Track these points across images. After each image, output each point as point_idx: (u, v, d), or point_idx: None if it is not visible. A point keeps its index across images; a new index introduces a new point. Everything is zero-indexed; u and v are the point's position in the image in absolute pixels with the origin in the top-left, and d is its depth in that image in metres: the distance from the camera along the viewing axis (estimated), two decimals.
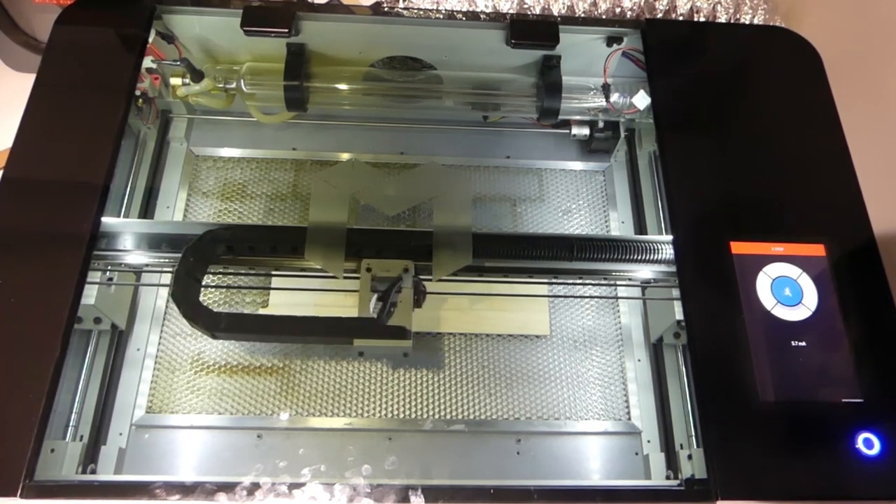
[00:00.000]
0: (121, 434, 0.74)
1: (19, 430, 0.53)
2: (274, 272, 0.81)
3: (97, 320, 0.75)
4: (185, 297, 0.66)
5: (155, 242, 0.72)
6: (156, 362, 0.79)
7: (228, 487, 0.54)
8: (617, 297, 0.86)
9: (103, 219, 0.64)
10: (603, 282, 0.85)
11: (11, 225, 0.62)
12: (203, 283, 0.71)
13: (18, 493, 0.51)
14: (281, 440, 0.76)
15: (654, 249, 0.74)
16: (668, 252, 0.73)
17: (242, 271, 0.83)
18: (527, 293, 0.85)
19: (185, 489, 0.53)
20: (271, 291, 0.83)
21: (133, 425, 0.75)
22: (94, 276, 0.72)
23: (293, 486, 0.55)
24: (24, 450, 0.52)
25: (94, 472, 0.71)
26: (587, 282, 0.85)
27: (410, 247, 0.73)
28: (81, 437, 0.72)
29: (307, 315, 0.67)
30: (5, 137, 0.67)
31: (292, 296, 0.81)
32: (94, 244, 0.62)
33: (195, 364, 0.79)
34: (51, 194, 0.64)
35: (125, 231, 0.71)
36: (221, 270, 0.83)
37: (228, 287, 0.84)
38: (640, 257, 0.74)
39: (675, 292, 0.75)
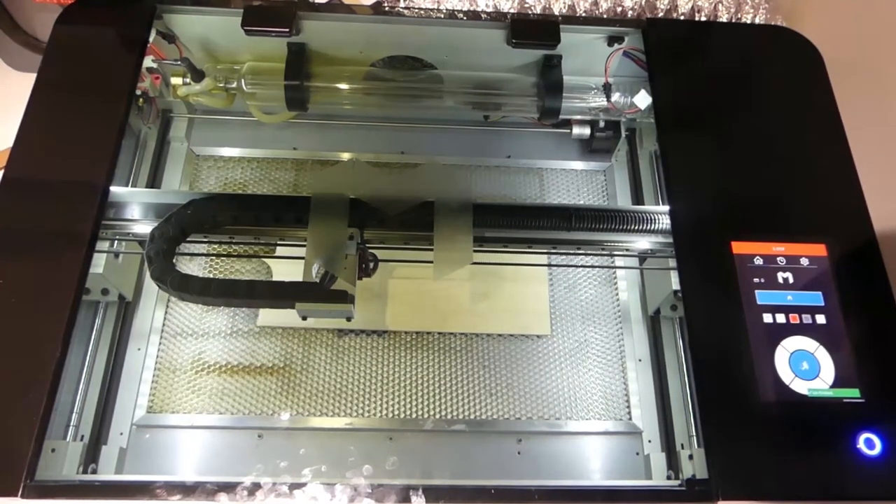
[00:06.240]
0: (122, 434, 0.74)
1: (20, 430, 0.53)
2: (280, 241, 0.80)
3: (105, 291, 0.76)
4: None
5: (162, 212, 0.71)
6: (157, 362, 0.79)
7: (229, 487, 0.54)
8: (614, 267, 0.88)
9: (112, 188, 0.65)
10: (601, 252, 0.86)
11: (11, 226, 0.62)
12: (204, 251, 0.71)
13: (19, 493, 0.51)
14: (282, 440, 0.76)
15: (650, 219, 0.74)
16: (664, 222, 0.74)
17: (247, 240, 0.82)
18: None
19: (186, 489, 0.53)
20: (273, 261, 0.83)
21: (134, 425, 0.75)
22: (101, 245, 0.73)
23: (294, 487, 0.55)
24: (25, 450, 0.52)
25: (94, 471, 0.71)
26: (586, 252, 0.86)
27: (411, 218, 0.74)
28: (82, 436, 0.72)
29: (249, 279, 0.66)
30: (5, 137, 0.67)
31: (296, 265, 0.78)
32: (94, 244, 0.62)
33: (196, 364, 0.79)
34: (51, 195, 0.63)
35: (133, 201, 0.72)
36: (226, 240, 0.82)
37: (219, 255, 0.85)
38: (637, 227, 0.74)
39: (672, 262, 0.75)
